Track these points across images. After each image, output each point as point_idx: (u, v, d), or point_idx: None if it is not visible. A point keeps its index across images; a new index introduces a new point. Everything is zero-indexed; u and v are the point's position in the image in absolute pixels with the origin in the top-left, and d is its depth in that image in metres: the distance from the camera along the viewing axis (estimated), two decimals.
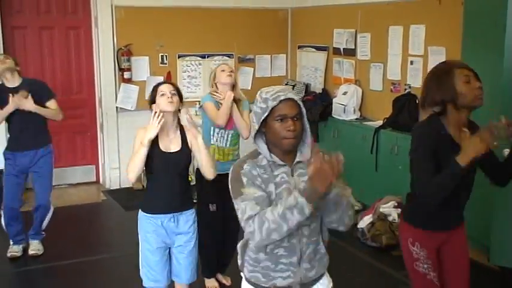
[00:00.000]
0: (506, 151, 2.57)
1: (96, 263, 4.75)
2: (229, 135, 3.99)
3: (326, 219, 2.24)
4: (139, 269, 3.25)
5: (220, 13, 7.01)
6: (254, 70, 7.32)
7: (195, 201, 3.54)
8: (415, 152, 2.67)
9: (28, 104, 4.36)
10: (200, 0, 6.86)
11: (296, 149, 2.21)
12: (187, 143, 3.15)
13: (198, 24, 6.88)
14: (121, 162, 6.65)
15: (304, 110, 2.19)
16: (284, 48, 7.55)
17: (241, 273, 2.40)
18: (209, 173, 3.21)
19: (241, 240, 2.33)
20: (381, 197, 5.28)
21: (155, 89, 3.15)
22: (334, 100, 6.46)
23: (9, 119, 4.49)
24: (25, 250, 4.80)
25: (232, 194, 2.18)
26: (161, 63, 6.82)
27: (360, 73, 6.42)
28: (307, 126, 2.22)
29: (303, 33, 7.30)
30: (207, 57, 7.06)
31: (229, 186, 2.20)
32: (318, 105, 6.58)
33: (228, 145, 4.02)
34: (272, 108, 2.13)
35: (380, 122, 5.87)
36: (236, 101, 3.96)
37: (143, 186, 6.42)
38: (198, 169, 4.05)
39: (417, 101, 5.50)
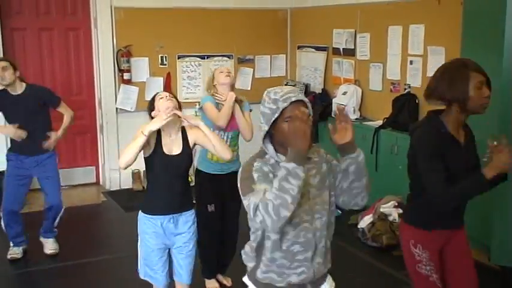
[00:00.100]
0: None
1: (97, 264, 4.75)
2: (229, 137, 3.95)
3: (351, 192, 2.34)
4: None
5: (219, 14, 7.00)
6: (254, 71, 7.31)
7: (194, 202, 3.54)
8: (419, 154, 2.66)
9: (49, 145, 4.57)
10: (200, 1, 6.86)
11: None
12: (188, 143, 3.16)
13: (198, 25, 6.88)
14: None
15: (311, 111, 2.21)
16: (284, 49, 7.55)
17: (244, 280, 2.39)
18: (226, 154, 3.18)
19: (250, 243, 2.32)
20: (381, 196, 5.27)
21: (153, 97, 3.20)
22: (333, 100, 6.45)
23: (13, 123, 4.46)
24: (25, 252, 4.80)
25: (242, 192, 2.17)
26: (161, 64, 6.82)
27: (359, 73, 6.42)
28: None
29: (302, 34, 7.29)
30: (207, 58, 7.05)
31: (239, 186, 2.20)
32: (317, 106, 6.57)
33: None
34: (282, 110, 2.14)
35: (380, 122, 5.87)
36: (238, 101, 3.92)
37: (143, 187, 6.44)
38: (197, 170, 4.06)
39: (417, 101, 5.51)
